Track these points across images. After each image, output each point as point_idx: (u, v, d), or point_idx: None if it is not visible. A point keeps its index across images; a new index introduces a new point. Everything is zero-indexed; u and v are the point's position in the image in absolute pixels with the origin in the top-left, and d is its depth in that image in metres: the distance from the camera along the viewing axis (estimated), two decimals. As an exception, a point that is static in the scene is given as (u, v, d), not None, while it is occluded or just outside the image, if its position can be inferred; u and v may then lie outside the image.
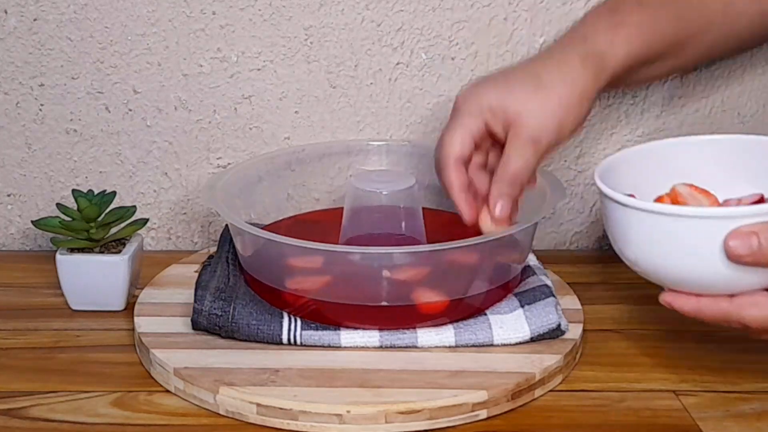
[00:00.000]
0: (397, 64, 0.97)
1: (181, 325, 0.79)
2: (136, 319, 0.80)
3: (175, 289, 0.85)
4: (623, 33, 0.80)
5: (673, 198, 0.74)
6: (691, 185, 0.74)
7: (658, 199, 0.74)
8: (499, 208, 0.76)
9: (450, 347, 0.75)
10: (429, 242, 0.84)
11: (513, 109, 0.76)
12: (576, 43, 0.80)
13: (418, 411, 0.68)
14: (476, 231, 0.77)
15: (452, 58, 0.97)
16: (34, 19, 0.94)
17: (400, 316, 0.76)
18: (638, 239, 0.69)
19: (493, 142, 0.79)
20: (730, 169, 0.77)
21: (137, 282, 0.87)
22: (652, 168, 0.77)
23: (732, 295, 0.67)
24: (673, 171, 0.76)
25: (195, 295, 0.78)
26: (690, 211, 0.67)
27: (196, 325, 0.77)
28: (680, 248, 0.67)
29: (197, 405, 0.71)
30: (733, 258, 0.65)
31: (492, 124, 0.77)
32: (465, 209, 0.77)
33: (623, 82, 0.85)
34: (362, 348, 0.75)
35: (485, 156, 0.80)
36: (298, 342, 0.75)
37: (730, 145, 0.78)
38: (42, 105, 0.97)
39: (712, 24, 0.84)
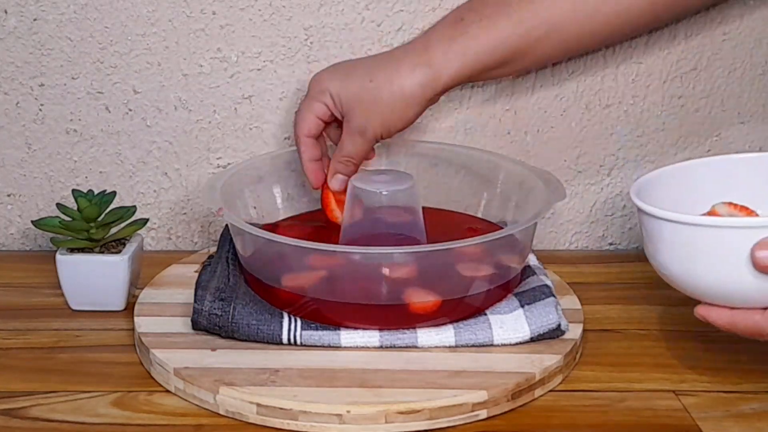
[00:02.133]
0: (397, 64, 0.97)
1: (181, 325, 0.79)
2: (136, 319, 0.80)
3: (175, 289, 0.85)
4: (459, 46, 0.83)
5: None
6: (730, 203, 0.73)
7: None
8: (335, 181, 0.87)
9: (450, 347, 0.75)
10: (429, 242, 0.84)
11: (346, 102, 0.84)
12: (416, 51, 0.85)
13: (418, 411, 0.68)
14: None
15: (452, 58, 0.96)
16: (34, 19, 0.94)
17: (400, 316, 0.76)
18: (671, 251, 0.69)
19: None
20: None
21: (137, 282, 0.87)
22: (689, 188, 0.78)
23: (766, 308, 0.67)
24: (710, 190, 0.77)
25: (195, 295, 0.78)
26: (717, 222, 0.67)
27: (196, 325, 0.77)
28: (710, 259, 0.67)
29: (197, 405, 0.71)
30: (760, 268, 0.65)
31: (332, 109, 0.85)
32: (311, 177, 0.87)
33: (468, 82, 0.90)
34: (362, 348, 0.75)
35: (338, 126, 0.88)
36: (298, 342, 0.75)
37: (759, 162, 0.79)
38: (42, 105, 0.97)
39: (561, 26, 0.84)
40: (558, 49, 0.87)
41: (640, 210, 0.71)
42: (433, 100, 0.85)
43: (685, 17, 0.96)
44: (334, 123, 0.88)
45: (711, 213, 0.74)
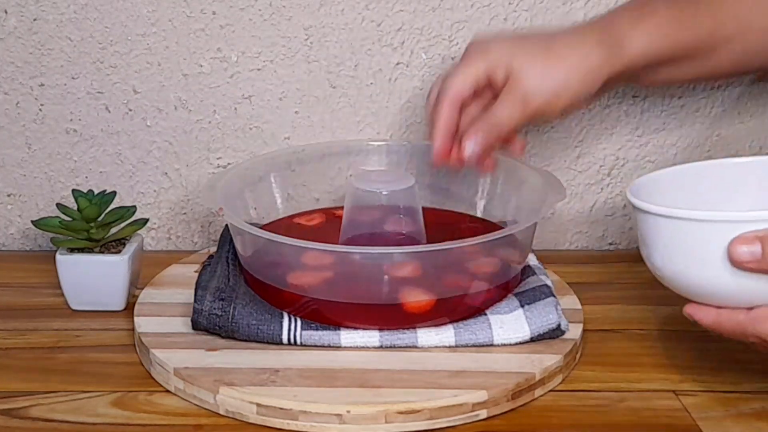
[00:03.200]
0: (397, 64, 0.97)
1: (181, 325, 0.79)
2: (136, 319, 0.80)
3: (175, 289, 0.85)
4: (646, 25, 0.79)
5: None
6: None
7: None
8: (470, 144, 0.77)
9: (450, 347, 0.75)
10: (429, 242, 0.84)
11: (516, 64, 0.77)
12: (597, 26, 0.80)
13: (418, 411, 0.68)
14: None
15: (452, 58, 0.96)
16: (34, 19, 0.94)
17: (397, 315, 0.76)
18: (660, 248, 0.69)
19: (493, 97, 0.80)
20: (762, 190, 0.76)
21: (137, 282, 0.87)
22: (686, 189, 0.77)
23: (751, 308, 0.66)
24: (704, 192, 0.76)
25: (195, 295, 0.78)
26: (697, 215, 0.66)
27: (196, 325, 0.77)
28: (691, 255, 0.67)
29: (197, 405, 0.71)
30: (736, 264, 0.64)
31: (495, 73, 0.78)
32: (438, 142, 0.78)
33: (644, 79, 0.85)
34: (362, 348, 0.75)
35: (481, 109, 0.81)
36: (298, 342, 0.75)
37: (758, 166, 0.77)
38: (42, 105, 0.97)
39: (750, 29, 0.80)
40: (738, 58, 0.82)
41: (633, 206, 0.71)
42: (611, 80, 0.79)
43: None
44: (477, 99, 0.79)
45: None
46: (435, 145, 0.78)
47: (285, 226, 0.91)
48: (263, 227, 0.91)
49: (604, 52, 0.78)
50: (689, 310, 0.69)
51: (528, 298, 0.79)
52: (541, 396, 0.73)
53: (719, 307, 0.67)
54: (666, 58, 0.80)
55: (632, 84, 0.91)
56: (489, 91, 0.80)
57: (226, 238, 0.87)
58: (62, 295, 0.85)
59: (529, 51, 0.78)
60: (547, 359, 0.74)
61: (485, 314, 0.78)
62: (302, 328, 0.76)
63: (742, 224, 0.64)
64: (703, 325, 0.68)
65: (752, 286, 0.65)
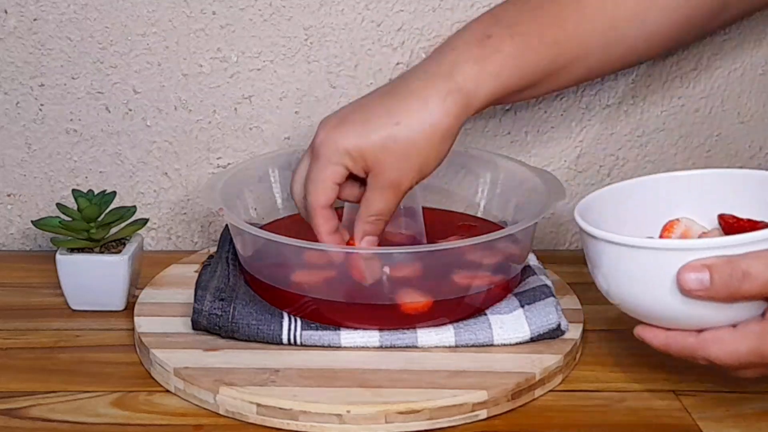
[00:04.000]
0: (397, 64, 0.97)
1: (181, 325, 0.79)
2: (136, 319, 0.80)
3: (175, 289, 0.85)
4: (491, 67, 0.76)
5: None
6: (729, 216, 0.73)
7: (667, 225, 0.74)
8: (365, 244, 0.77)
9: (450, 347, 0.75)
10: (429, 242, 0.84)
11: (371, 157, 0.74)
12: (440, 78, 0.76)
13: (418, 411, 0.68)
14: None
15: (452, 58, 0.96)
16: (34, 19, 0.94)
17: (395, 316, 0.76)
18: (607, 271, 0.69)
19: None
20: (715, 202, 0.75)
21: (137, 282, 0.87)
22: (637, 204, 0.77)
23: (700, 331, 0.66)
24: (658, 206, 0.76)
25: (195, 295, 0.78)
26: (645, 243, 0.66)
27: (196, 325, 0.77)
28: (640, 280, 0.67)
29: (197, 405, 0.71)
30: (685, 292, 0.64)
31: (352, 168, 0.75)
32: (330, 246, 0.76)
33: (496, 103, 0.83)
34: (362, 348, 0.75)
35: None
36: (298, 342, 0.75)
37: (711, 179, 0.77)
38: (42, 105, 0.97)
39: (589, 52, 0.81)
40: (582, 75, 0.83)
41: (581, 229, 0.70)
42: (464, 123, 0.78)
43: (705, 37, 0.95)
44: (350, 181, 0.77)
45: (669, 225, 0.74)
46: (332, 255, 0.77)
47: (285, 225, 0.91)
48: (275, 222, 0.91)
49: (451, 110, 0.75)
50: (639, 331, 0.69)
51: (528, 298, 0.79)
52: (541, 396, 0.73)
53: (668, 329, 0.68)
54: (509, 93, 0.78)
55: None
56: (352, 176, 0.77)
57: (226, 238, 0.87)
58: (62, 295, 0.85)
59: (377, 138, 0.74)
60: (547, 359, 0.74)
61: (485, 314, 0.78)
62: (302, 328, 0.76)
63: (691, 252, 0.64)
64: (652, 346, 0.69)
65: (700, 311, 0.65)
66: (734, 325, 0.66)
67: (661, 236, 0.75)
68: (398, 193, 0.76)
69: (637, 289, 0.67)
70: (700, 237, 0.73)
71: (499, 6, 0.82)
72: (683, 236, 0.74)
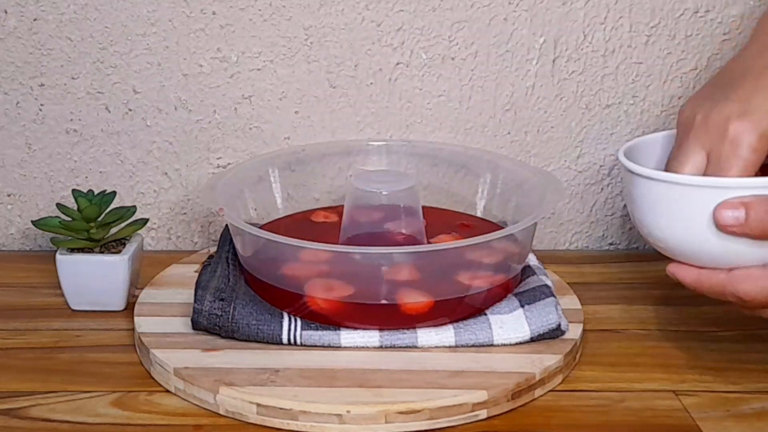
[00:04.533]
0: (397, 64, 0.97)
1: (181, 325, 0.79)
2: (136, 319, 0.80)
3: (175, 289, 0.85)
4: None
5: None
6: None
7: None
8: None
9: (450, 347, 0.75)
10: (428, 242, 0.84)
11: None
12: None
13: (418, 411, 0.68)
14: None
15: (452, 58, 0.97)
16: (34, 19, 0.94)
17: (395, 316, 0.76)
18: (646, 207, 0.71)
19: None
20: None
21: (137, 282, 0.87)
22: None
23: (732, 269, 0.68)
24: None
25: (195, 295, 0.78)
26: (683, 179, 0.69)
27: (196, 325, 0.77)
28: (678, 217, 0.69)
29: (197, 405, 0.71)
30: (720, 227, 0.66)
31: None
32: None
33: None
34: (362, 348, 0.75)
35: None
36: (298, 342, 0.75)
37: None
38: (42, 105, 0.97)
39: None
40: None
41: (623, 167, 0.73)
42: None
43: None
44: None
45: None
46: None
47: (285, 225, 0.91)
48: (280, 220, 0.91)
49: None
50: (672, 269, 0.71)
51: (528, 298, 0.79)
52: (541, 396, 0.73)
53: (701, 268, 0.70)
54: None
55: None
56: None
57: (226, 238, 0.87)
58: (62, 295, 0.85)
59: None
60: (547, 359, 0.74)
61: (485, 314, 0.78)
62: (302, 328, 0.76)
63: (728, 190, 0.66)
64: (684, 283, 0.71)
65: (734, 248, 0.67)
66: (765, 265, 0.68)
67: None
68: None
69: (675, 225, 0.69)
70: None
71: None
72: None
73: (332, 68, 0.97)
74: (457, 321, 0.77)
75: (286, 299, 0.77)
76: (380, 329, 0.76)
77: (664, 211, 0.70)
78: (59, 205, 0.87)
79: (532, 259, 0.86)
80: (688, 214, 0.68)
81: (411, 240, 0.84)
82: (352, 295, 0.76)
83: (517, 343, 0.76)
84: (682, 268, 0.71)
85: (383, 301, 0.76)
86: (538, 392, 0.73)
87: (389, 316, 0.76)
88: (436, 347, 0.75)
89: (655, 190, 0.70)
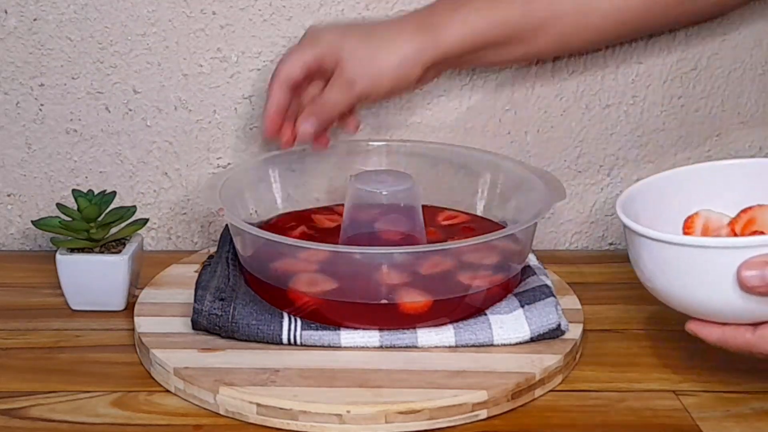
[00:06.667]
0: (397, 64, 0.97)
1: (181, 325, 0.79)
2: (136, 319, 0.80)
3: (175, 289, 0.85)
4: (461, 14, 0.85)
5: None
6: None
7: (687, 221, 0.75)
8: (304, 125, 0.84)
9: (450, 347, 0.75)
10: (428, 241, 0.84)
11: (343, 53, 0.84)
12: (417, 16, 0.87)
13: (418, 411, 0.68)
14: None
15: (452, 58, 0.96)
16: (34, 19, 0.94)
17: (395, 316, 0.76)
18: (658, 269, 0.69)
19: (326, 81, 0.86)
20: (753, 192, 0.76)
21: (137, 282, 0.87)
22: (674, 195, 0.78)
23: (756, 324, 0.67)
24: (695, 197, 0.77)
25: (195, 295, 0.78)
26: (703, 242, 0.68)
27: (196, 325, 0.77)
28: (696, 278, 0.67)
29: (197, 405, 0.71)
30: (746, 289, 0.65)
31: (324, 61, 0.85)
32: (268, 124, 0.85)
33: (468, 63, 0.92)
34: (362, 348, 0.75)
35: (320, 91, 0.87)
36: (298, 342, 0.75)
37: (751, 168, 0.78)
38: (42, 105, 0.97)
39: (562, 15, 0.86)
40: (557, 40, 0.88)
41: (625, 226, 0.71)
42: (429, 70, 0.86)
43: (684, 26, 0.96)
44: (313, 82, 0.87)
45: (689, 221, 0.75)
46: (265, 122, 0.85)
47: (284, 224, 0.91)
48: (280, 218, 0.91)
49: (420, 41, 0.84)
50: (693, 327, 0.70)
51: (528, 298, 0.79)
52: (541, 396, 0.73)
53: (723, 324, 0.68)
54: (482, 44, 0.86)
55: (458, 69, 0.96)
56: (322, 76, 0.86)
57: (226, 238, 0.87)
58: (62, 295, 0.85)
59: (354, 40, 0.85)
60: (547, 359, 0.74)
61: (485, 314, 0.78)
62: (302, 328, 0.76)
63: (750, 249, 0.65)
64: (708, 342, 0.69)
65: (758, 306, 0.66)
66: None
67: (684, 233, 0.76)
68: (352, 92, 0.85)
69: (694, 287, 0.67)
70: (751, 234, 0.73)
71: None
72: (704, 228, 0.75)
73: (332, 68, 0.96)
74: (457, 321, 0.77)
75: (285, 299, 0.77)
76: (380, 329, 0.76)
77: (679, 271, 0.68)
78: (59, 205, 0.87)
79: (532, 259, 0.86)
80: (707, 276, 0.66)
81: (411, 240, 0.84)
82: (351, 294, 0.76)
83: (517, 343, 0.76)
84: (704, 326, 0.69)
85: (383, 301, 0.76)
86: (538, 392, 0.73)
87: (389, 316, 0.76)
88: (436, 347, 0.75)
89: (668, 252, 0.68)
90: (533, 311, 0.77)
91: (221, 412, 0.70)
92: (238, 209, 0.88)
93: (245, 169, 0.91)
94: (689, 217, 0.76)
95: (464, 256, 0.78)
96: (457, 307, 0.77)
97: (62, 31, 0.95)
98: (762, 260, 0.64)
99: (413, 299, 0.76)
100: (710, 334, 0.69)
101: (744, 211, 0.74)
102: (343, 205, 0.86)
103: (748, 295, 0.65)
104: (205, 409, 0.71)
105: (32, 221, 0.86)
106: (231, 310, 0.76)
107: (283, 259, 0.79)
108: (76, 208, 0.85)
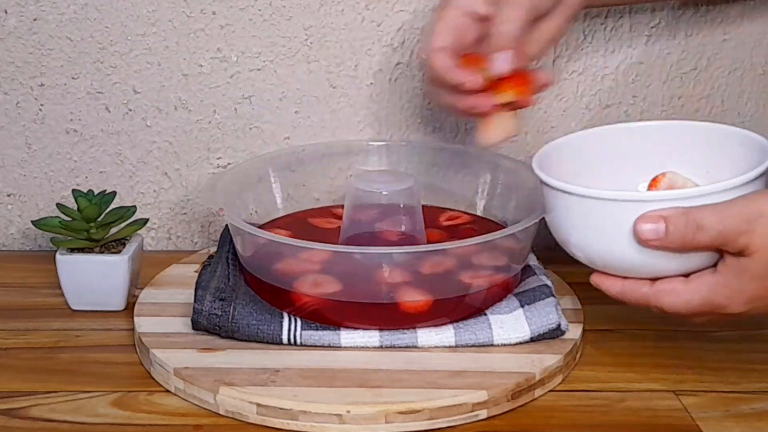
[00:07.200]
0: (397, 64, 0.97)
1: (181, 325, 0.79)
2: (136, 319, 0.80)
3: (175, 289, 0.85)
4: None
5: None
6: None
7: (653, 181, 0.76)
8: (500, 61, 0.77)
9: (450, 347, 0.75)
10: (428, 241, 0.84)
11: None
12: None
13: (418, 411, 0.68)
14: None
15: (452, 58, 0.96)
16: (34, 19, 0.94)
17: (395, 315, 0.76)
18: (566, 221, 0.71)
19: None
20: (670, 153, 0.77)
21: (137, 282, 0.87)
22: (595, 153, 0.79)
23: (654, 280, 0.69)
24: (614, 156, 0.78)
25: (195, 295, 0.78)
26: (603, 194, 0.68)
27: (196, 325, 0.77)
28: (598, 231, 0.69)
29: (197, 405, 0.71)
30: (641, 242, 0.67)
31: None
32: (461, 76, 0.78)
33: None
34: (362, 348, 0.75)
35: None
36: (298, 342, 0.75)
37: (671, 130, 0.79)
38: (42, 105, 0.97)
39: None
40: None
41: (540, 181, 0.73)
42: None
43: None
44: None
45: (655, 180, 0.75)
46: (465, 82, 0.78)
47: (284, 224, 0.91)
48: (276, 221, 0.91)
49: None
50: (596, 279, 0.72)
51: (528, 298, 0.79)
52: (541, 396, 0.73)
53: (624, 278, 0.70)
54: None
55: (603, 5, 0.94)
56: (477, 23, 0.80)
57: (226, 238, 0.87)
58: (62, 295, 0.85)
59: None
60: (547, 359, 0.74)
61: (485, 314, 0.78)
62: (302, 328, 0.76)
63: (648, 203, 0.67)
64: (608, 294, 0.71)
65: (655, 261, 0.68)
66: (687, 275, 0.68)
67: (649, 189, 0.76)
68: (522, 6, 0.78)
69: (595, 239, 0.69)
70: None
71: None
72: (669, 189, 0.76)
73: (332, 68, 0.96)
74: (457, 321, 0.77)
75: (285, 299, 0.77)
76: (380, 329, 0.76)
77: (585, 224, 0.70)
78: (59, 205, 0.87)
79: (532, 259, 0.86)
80: (608, 228, 0.68)
81: (411, 239, 0.84)
82: (351, 294, 0.76)
83: (517, 343, 0.76)
84: (606, 278, 0.71)
85: (383, 301, 0.76)
86: (538, 392, 0.73)
87: (389, 316, 0.76)
88: (436, 347, 0.75)
89: (572, 203, 0.70)
90: (533, 311, 0.77)
91: (221, 412, 0.70)
92: (238, 209, 0.88)
93: (245, 169, 0.91)
94: (655, 178, 0.76)
95: (464, 256, 0.78)
96: (457, 307, 0.77)
97: (62, 31, 0.95)
98: (657, 214, 0.66)
99: (413, 299, 0.76)
100: (612, 286, 0.71)
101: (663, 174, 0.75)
102: (341, 206, 0.86)
103: (645, 249, 0.67)
104: (205, 409, 0.71)
105: (32, 221, 0.86)
106: (231, 310, 0.76)
107: (283, 259, 0.79)
108: (76, 208, 0.85)
